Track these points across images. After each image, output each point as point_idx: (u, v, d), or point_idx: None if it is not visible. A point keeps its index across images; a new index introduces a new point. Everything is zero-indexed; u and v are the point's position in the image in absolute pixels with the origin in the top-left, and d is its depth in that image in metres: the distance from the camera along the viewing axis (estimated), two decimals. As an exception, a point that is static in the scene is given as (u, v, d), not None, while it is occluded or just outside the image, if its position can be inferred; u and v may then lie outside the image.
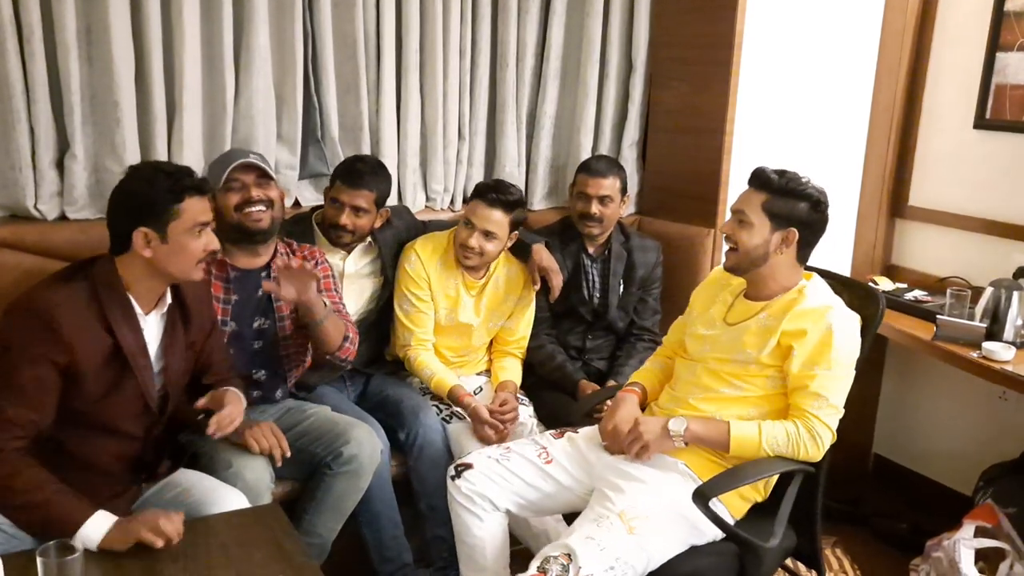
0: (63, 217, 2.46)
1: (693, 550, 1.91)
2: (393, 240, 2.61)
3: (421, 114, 2.93)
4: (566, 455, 2.09)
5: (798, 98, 3.00)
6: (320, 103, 2.78)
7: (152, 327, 1.81)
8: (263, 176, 2.18)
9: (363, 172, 2.45)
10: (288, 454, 2.02)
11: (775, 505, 1.98)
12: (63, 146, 2.43)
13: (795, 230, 1.95)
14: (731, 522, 1.95)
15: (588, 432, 2.15)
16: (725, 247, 2.05)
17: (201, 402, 1.91)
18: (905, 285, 3.03)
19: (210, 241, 1.79)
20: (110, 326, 1.71)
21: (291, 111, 2.72)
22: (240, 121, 2.65)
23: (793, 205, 1.94)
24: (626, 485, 1.90)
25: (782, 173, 1.96)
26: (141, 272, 1.76)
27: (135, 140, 2.47)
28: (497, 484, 2.05)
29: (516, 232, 2.56)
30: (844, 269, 3.19)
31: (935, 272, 3.02)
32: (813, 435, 1.89)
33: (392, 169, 2.88)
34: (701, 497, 1.83)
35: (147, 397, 1.79)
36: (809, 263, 2.07)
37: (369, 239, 2.56)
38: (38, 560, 1.37)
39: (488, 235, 2.46)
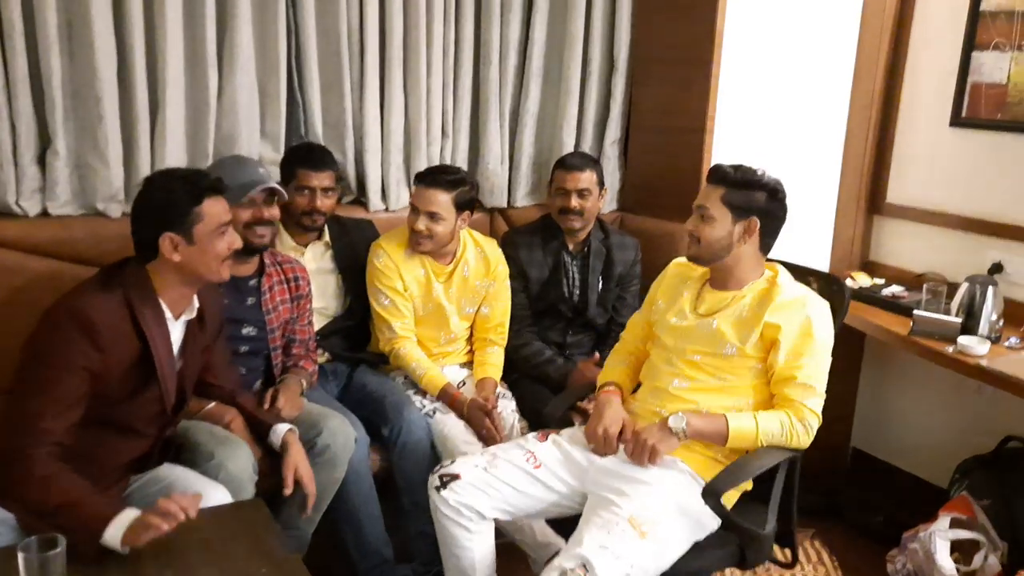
0: (45, 213, 2.45)
1: (696, 546, 1.94)
2: (349, 249, 2.64)
3: (405, 111, 2.93)
4: (555, 459, 2.06)
5: (778, 97, 3.03)
6: (304, 100, 2.79)
7: (177, 332, 1.86)
8: (271, 195, 2.25)
9: (322, 153, 2.59)
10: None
11: (760, 492, 2.04)
12: (45, 142, 2.43)
13: (756, 219, 2.02)
14: None
15: (572, 434, 2.14)
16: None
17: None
18: (883, 281, 3.06)
19: (233, 240, 1.85)
20: (141, 332, 1.74)
21: (275, 108, 2.72)
22: (223, 118, 2.65)
23: (750, 195, 2.02)
24: (629, 488, 1.89)
25: (737, 167, 2.04)
26: (172, 278, 1.80)
27: (117, 136, 2.47)
28: (486, 494, 1.99)
29: (468, 213, 2.57)
30: (823, 265, 3.21)
31: (912, 268, 3.05)
32: (805, 424, 1.96)
33: (376, 166, 2.90)
34: (712, 495, 1.87)
35: (166, 400, 1.83)
36: (783, 256, 2.14)
37: (327, 239, 2.61)
38: (19, 556, 1.36)
39: (433, 216, 2.49)
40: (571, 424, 2.34)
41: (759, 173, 2.04)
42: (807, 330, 1.96)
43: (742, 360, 2.01)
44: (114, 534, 1.55)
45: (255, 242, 2.22)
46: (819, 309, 2.02)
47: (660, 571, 1.85)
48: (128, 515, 1.58)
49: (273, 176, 2.62)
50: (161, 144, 2.53)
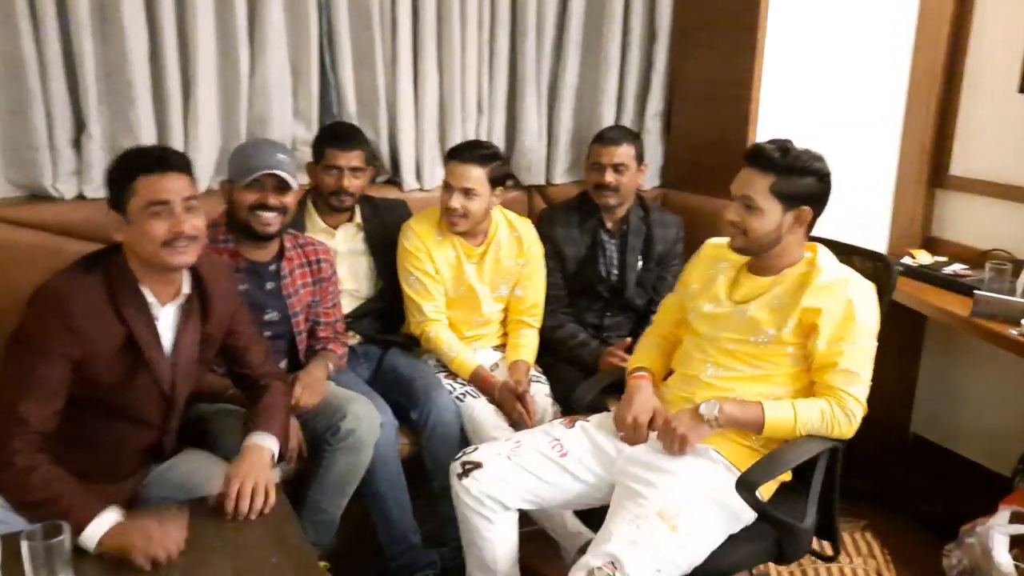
0: (81, 196, 2.48)
1: (732, 539, 1.86)
2: (381, 230, 2.60)
3: (439, 88, 2.87)
4: (582, 447, 1.98)
5: (830, 63, 2.86)
6: (336, 78, 2.75)
7: (168, 318, 1.79)
8: (284, 183, 2.16)
9: (351, 132, 2.56)
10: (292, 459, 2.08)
11: (799, 483, 1.95)
12: (79, 125, 2.45)
13: (808, 208, 1.87)
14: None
15: (600, 420, 2.06)
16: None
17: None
18: (945, 259, 2.91)
19: (176, 223, 1.66)
20: (124, 316, 1.69)
21: (307, 87, 2.70)
22: (255, 97, 2.64)
23: (801, 182, 1.86)
24: (656, 479, 1.81)
25: (784, 150, 1.87)
26: (138, 260, 1.71)
27: (151, 118, 2.47)
28: (510, 484, 1.93)
29: (501, 189, 2.51)
30: (881, 242, 3.07)
31: (977, 245, 2.90)
32: (847, 413, 1.85)
33: (410, 145, 2.86)
34: (747, 486, 1.76)
35: (161, 386, 1.78)
36: (837, 235, 2.01)
37: (358, 220, 2.58)
38: (23, 543, 1.36)
39: (468, 193, 2.43)
40: (603, 409, 2.25)
41: (807, 155, 1.87)
42: (849, 313, 1.82)
43: (779, 347, 1.89)
44: (91, 535, 1.52)
45: (256, 227, 2.16)
46: (862, 291, 1.87)
47: (692, 565, 1.76)
48: (109, 518, 1.54)
49: (304, 157, 2.61)
50: (194, 125, 2.53)
